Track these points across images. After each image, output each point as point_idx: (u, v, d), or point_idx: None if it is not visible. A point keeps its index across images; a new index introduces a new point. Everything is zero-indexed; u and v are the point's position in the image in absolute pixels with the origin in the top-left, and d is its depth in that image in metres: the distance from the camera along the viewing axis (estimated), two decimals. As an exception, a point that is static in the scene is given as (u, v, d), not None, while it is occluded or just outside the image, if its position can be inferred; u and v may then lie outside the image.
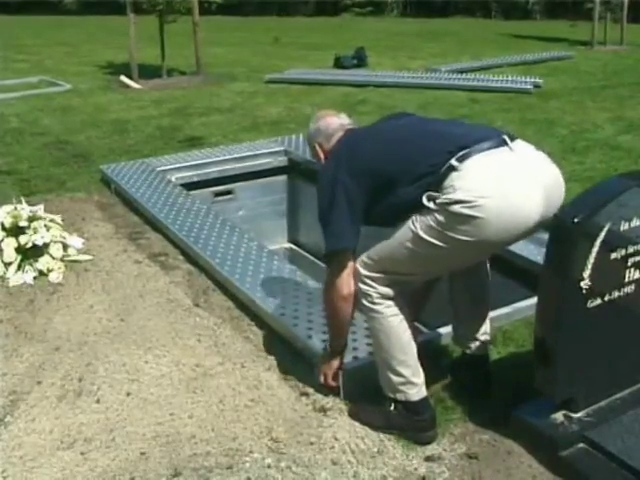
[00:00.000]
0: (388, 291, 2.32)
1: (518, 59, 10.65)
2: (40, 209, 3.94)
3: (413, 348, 2.37)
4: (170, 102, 7.98)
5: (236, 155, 5.39)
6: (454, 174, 2.13)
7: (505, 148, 2.19)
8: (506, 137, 2.22)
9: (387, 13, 21.60)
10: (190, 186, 4.94)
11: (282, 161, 5.48)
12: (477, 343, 2.60)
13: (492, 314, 3.08)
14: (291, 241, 5.64)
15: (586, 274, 2.11)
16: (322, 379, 2.59)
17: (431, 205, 2.15)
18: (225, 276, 3.44)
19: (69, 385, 2.71)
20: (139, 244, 4.04)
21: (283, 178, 5.52)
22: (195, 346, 2.97)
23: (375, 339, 2.40)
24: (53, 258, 3.67)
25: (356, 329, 2.87)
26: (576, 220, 2.05)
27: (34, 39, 14.49)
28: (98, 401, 2.61)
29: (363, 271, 2.33)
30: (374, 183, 2.27)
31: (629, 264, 2.22)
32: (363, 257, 2.35)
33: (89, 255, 3.83)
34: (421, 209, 2.18)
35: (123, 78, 9.16)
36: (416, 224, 2.20)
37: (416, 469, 2.25)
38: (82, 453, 2.34)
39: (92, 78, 9.72)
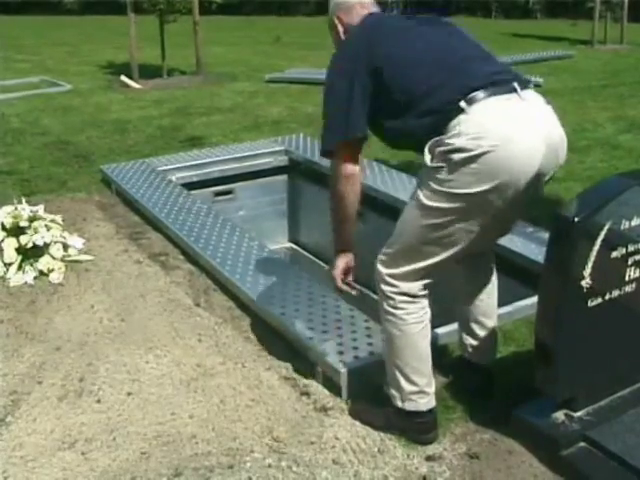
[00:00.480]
0: (413, 288, 2.24)
1: (519, 58, 10.64)
2: (41, 209, 3.94)
3: (429, 356, 2.31)
4: (171, 102, 7.98)
5: (237, 155, 5.38)
6: (461, 117, 2.08)
7: (514, 95, 2.14)
8: (517, 84, 2.16)
9: (387, 13, 21.59)
10: (191, 186, 4.94)
11: (282, 161, 5.48)
12: (480, 350, 2.58)
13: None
14: (292, 241, 5.64)
15: (587, 273, 2.11)
16: (334, 285, 2.50)
17: (429, 161, 2.11)
18: (226, 276, 3.44)
19: (70, 385, 2.71)
20: (140, 244, 4.05)
21: (284, 178, 5.52)
22: (196, 346, 2.97)
23: (390, 344, 2.32)
24: (54, 258, 3.67)
25: (356, 328, 2.87)
26: (577, 219, 2.05)
27: (35, 39, 14.49)
28: (99, 401, 2.61)
29: (383, 269, 2.26)
30: (384, 93, 2.21)
31: (629, 263, 2.22)
32: (380, 255, 2.28)
33: (90, 255, 3.84)
34: (421, 171, 2.18)
35: (123, 78, 9.16)
36: (419, 196, 2.16)
37: (417, 468, 2.25)
38: (83, 453, 2.34)
39: (93, 78, 9.73)
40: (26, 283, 3.53)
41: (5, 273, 3.58)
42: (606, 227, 2.09)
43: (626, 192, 2.12)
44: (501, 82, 2.16)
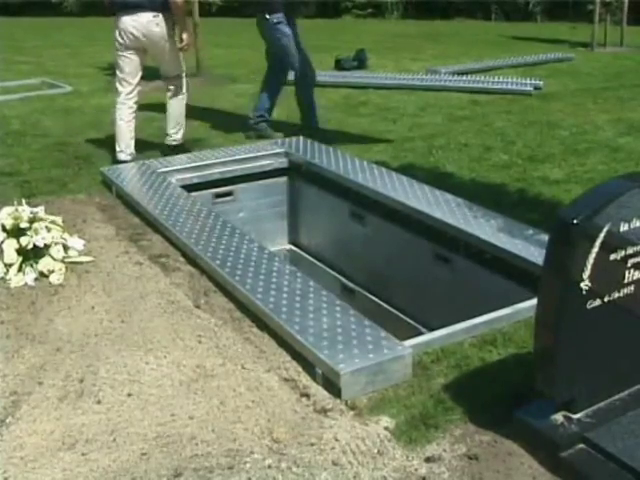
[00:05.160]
0: (119, 89, 5.45)
1: (518, 61, 10.65)
2: (41, 210, 3.94)
3: (127, 134, 5.42)
4: (171, 104, 7.97)
5: (237, 157, 5.39)
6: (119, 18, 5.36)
7: (135, 15, 5.22)
8: (141, 11, 5.26)
9: (388, 16, 21.57)
10: (191, 187, 4.94)
11: (282, 163, 5.48)
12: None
13: (493, 315, 3.11)
14: (292, 243, 5.65)
15: (586, 275, 2.12)
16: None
17: None
18: (226, 277, 3.44)
19: (70, 386, 2.72)
20: (140, 245, 4.05)
21: (283, 179, 5.52)
22: (196, 347, 2.98)
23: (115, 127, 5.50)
24: (54, 259, 3.67)
25: (355, 329, 2.88)
26: (576, 221, 2.06)
27: (35, 41, 14.47)
28: (99, 402, 2.62)
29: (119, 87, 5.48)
30: None
31: (629, 265, 2.23)
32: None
33: (90, 256, 3.84)
34: None
35: (124, 80, 9.15)
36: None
37: (416, 470, 2.26)
38: (83, 454, 2.35)
39: (93, 80, 9.72)
40: (26, 284, 3.54)
41: (5, 274, 3.58)
42: (605, 229, 2.10)
43: (625, 194, 2.13)
44: (134, 9, 5.24)
